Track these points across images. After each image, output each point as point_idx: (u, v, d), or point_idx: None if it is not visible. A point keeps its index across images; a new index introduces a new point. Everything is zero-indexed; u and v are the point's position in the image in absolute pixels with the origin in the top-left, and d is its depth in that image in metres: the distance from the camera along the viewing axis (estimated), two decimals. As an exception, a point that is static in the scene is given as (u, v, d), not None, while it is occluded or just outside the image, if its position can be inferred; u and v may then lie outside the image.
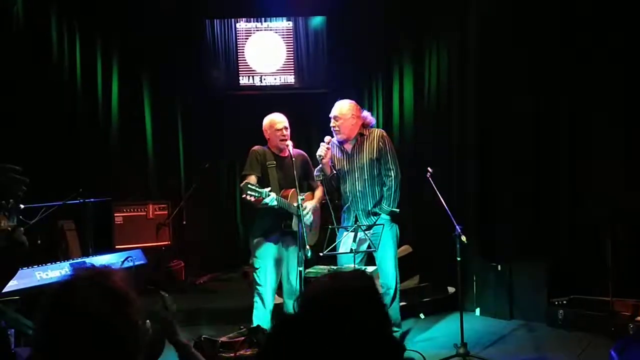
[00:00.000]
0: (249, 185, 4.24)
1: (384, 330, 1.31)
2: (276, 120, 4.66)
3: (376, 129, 4.80)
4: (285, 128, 4.64)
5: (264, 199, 4.26)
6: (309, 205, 4.69)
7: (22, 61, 6.29)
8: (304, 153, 4.85)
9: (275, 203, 4.34)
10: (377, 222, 4.56)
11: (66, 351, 1.32)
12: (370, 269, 4.43)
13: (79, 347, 1.32)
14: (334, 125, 4.69)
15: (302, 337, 1.25)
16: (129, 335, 1.38)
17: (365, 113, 4.81)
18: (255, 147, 4.71)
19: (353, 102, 4.79)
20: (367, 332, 1.26)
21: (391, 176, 4.67)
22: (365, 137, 4.73)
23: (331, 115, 4.71)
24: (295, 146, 4.66)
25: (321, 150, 4.61)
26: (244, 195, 4.25)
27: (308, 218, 4.65)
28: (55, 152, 6.50)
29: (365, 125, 4.75)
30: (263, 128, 4.71)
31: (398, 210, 4.71)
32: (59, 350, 1.32)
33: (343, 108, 4.69)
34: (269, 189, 4.34)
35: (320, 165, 4.69)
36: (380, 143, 4.69)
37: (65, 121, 6.79)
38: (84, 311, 1.34)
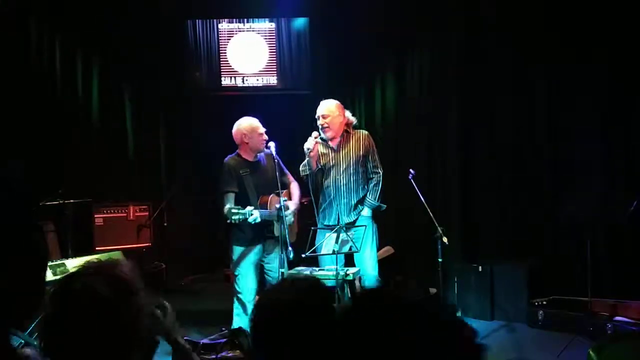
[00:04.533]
0: (233, 210, 4.24)
1: None
2: (258, 125, 4.66)
3: (361, 130, 4.90)
4: (265, 132, 4.66)
5: (247, 219, 4.26)
6: (291, 206, 4.69)
7: (5, 56, 6.21)
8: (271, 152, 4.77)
9: (259, 220, 4.34)
10: (358, 224, 4.59)
11: (71, 337, 1.33)
12: (352, 270, 4.45)
13: (83, 333, 1.33)
14: (322, 123, 4.74)
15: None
16: (133, 322, 1.40)
17: (348, 112, 4.88)
18: (227, 160, 4.66)
19: (337, 101, 4.87)
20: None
21: (379, 173, 4.78)
22: (351, 134, 4.81)
23: (319, 114, 4.77)
24: (277, 147, 4.66)
25: (309, 143, 4.64)
26: (229, 221, 4.26)
27: (290, 218, 4.65)
28: (35, 153, 6.41)
29: (348, 125, 4.83)
30: (240, 132, 4.64)
31: (384, 205, 4.76)
32: (64, 336, 1.34)
33: (331, 106, 4.79)
34: (252, 208, 4.32)
35: (307, 159, 4.69)
36: (367, 142, 4.79)
37: (44, 122, 6.70)
38: (89, 296, 1.36)
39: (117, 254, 5.34)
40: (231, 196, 4.49)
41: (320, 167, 4.78)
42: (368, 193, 4.73)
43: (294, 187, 4.85)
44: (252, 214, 4.27)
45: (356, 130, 4.86)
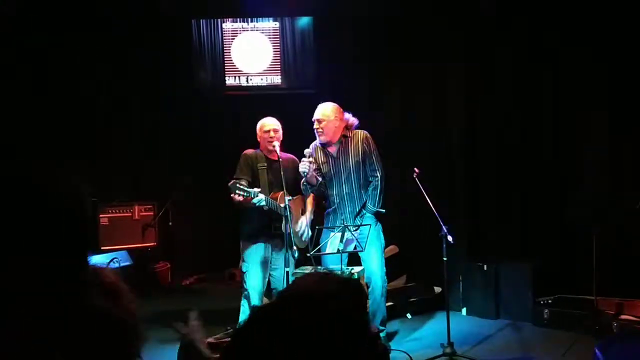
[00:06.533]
0: (237, 185, 4.24)
1: (365, 334, 1.27)
2: (265, 123, 4.69)
3: (360, 131, 4.76)
4: (274, 130, 4.65)
5: (252, 198, 4.26)
6: (304, 221, 4.70)
7: (5, 56, 6.23)
8: (295, 157, 4.79)
9: (264, 203, 4.33)
10: (363, 223, 4.57)
11: (63, 349, 1.31)
12: (356, 269, 4.45)
13: (74, 346, 1.31)
14: (317, 127, 4.66)
15: (277, 331, 1.21)
16: (126, 328, 1.37)
17: (347, 115, 4.76)
18: (247, 151, 4.74)
19: (335, 104, 4.74)
20: (348, 332, 1.23)
21: (377, 176, 4.67)
22: (350, 138, 4.70)
23: (314, 118, 4.67)
24: (283, 147, 4.66)
25: (304, 167, 4.51)
26: (232, 195, 4.25)
27: (304, 233, 4.67)
28: (39, 152, 6.42)
29: (348, 127, 4.73)
30: (257, 131, 4.76)
31: (384, 210, 4.72)
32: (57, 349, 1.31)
33: (326, 110, 4.66)
34: (258, 189, 4.33)
35: (305, 179, 4.58)
36: (365, 144, 4.68)
37: (49, 121, 6.72)
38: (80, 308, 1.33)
39: (122, 253, 5.37)
40: (242, 182, 4.50)
41: (321, 180, 4.70)
42: (367, 199, 4.67)
43: (309, 198, 4.82)
44: (257, 195, 4.27)
45: (355, 132, 4.72)
